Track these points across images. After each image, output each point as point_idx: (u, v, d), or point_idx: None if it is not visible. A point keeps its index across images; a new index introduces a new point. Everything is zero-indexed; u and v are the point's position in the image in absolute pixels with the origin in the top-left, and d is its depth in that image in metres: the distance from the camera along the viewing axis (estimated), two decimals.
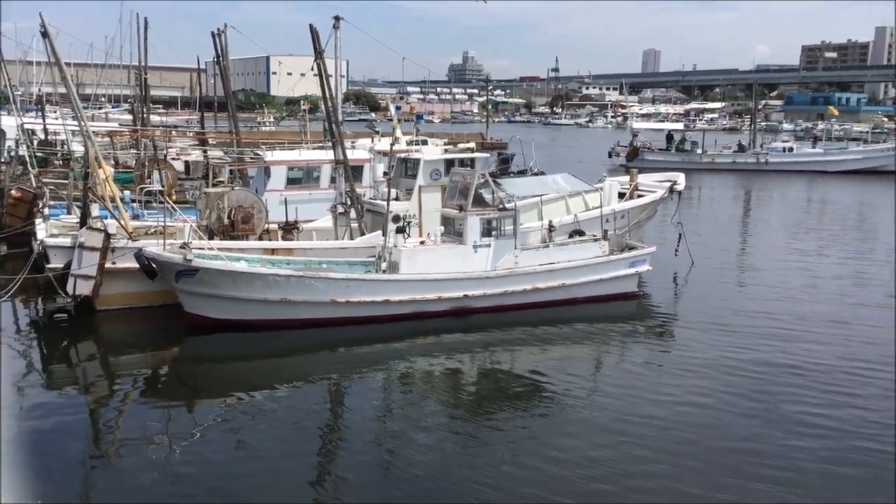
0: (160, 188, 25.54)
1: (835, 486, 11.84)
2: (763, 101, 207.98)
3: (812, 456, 12.65)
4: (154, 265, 18.85)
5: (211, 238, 21.01)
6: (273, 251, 21.19)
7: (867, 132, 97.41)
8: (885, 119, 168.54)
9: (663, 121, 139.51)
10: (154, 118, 58.06)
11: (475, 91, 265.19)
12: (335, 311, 19.44)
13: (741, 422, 14.07)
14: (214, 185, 26.98)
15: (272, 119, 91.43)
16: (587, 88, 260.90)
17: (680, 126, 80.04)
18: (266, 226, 22.68)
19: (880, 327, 20.10)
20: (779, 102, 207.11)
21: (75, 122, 25.04)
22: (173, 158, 36.18)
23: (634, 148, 69.11)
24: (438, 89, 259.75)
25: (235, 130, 34.68)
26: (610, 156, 71.35)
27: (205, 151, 38.23)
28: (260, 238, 22.22)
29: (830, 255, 30.01)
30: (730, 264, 28.28)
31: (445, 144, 29.98)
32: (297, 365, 17.68)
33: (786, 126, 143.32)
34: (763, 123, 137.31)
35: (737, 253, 31.04)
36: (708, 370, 16.70)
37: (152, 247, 19.04)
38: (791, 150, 70.00)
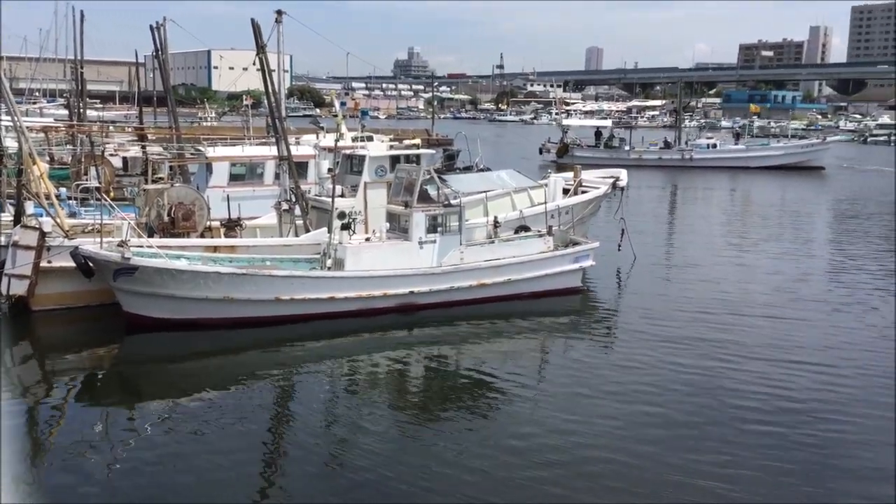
0: (97, 185, 24.88)
1: (778, 481, 12.08)
2: (702, 99, 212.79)
3: (754, 451, 12.85)
4: (91, 264, 18.37)
5: (151, 236, 20.59)
6: (215, 249, 20.85)
7: (791, 129, 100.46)
8: (819, 116, 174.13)
9: (606, 118, 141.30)
10: (91, 113, 56.52)
11: (421, 87, 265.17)
12: (279, 308, 19.23)
13: (684, 417, 14.27)
14: (154, 182, 26.39)
15: (213, 114, 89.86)
16: (532, 85, 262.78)
17: (608, 123, 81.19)
18: (208, 223, 22.30)
19: (815, 323, 20.72)
20: (718, 100, 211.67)
21: (8, 118, 24.24)
22: (111, 154, 35.28)
23: (564, 144, 69.83)
24: (384, 85, 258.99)
25: (175, 126, 33.99)
26: (541, 152, 72.01)
27: (144, 147, 37.37)
28: (202, 235, 21.83)
29: (766, 250, 30.77)
30: (670, 259, 28.84)
31: (391, 141, 29.83)
32: (239, 364, 17.41)
33: (724, 123, 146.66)
34: (703, 120, 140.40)
35: (677, 248, 31.63)
36: (651, 365, 16.95)
37: (89, 245, 18.55)
38: (715, 146, 71.82)
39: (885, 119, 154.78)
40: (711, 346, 18.19)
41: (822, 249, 31.73)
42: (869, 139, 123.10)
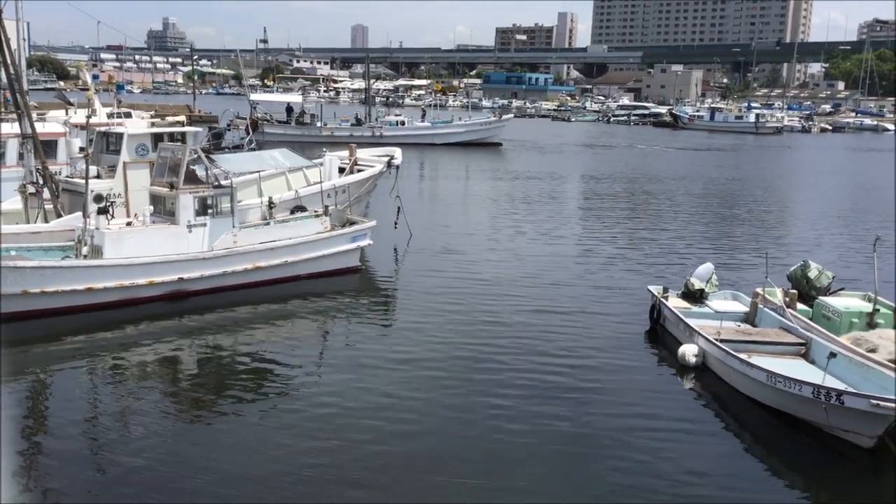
0: None
1: (544, 456, 12.81)
2: (464, 80, 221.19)
3: (522, 429, 13.30)
4: None
5: None
6: None
7: (544, 109, 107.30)
8: (569, 98, 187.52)
9: (374, 96, 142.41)
10: None
11: (178, 60, 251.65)
12: (28, 303, 17.46)
13: (459, 383, 14.81)
14: None
15: None
16: (298, 62, 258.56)
17: (299, 99, 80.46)
18: None
19: (578, 297, 22.28)
20: (479, 81, 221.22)
21: None
22: None
23: (254, 120, 68.15)
24: (137, 57, 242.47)
25: None
26: (229, 128, 70.06)
27: None
28: None
29: (521, 225, 32.55)
30: (441, 234, 29.56)
31: (152, 117, 27.95)
32: None
33: (485, 103, 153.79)
34: (466, 100, 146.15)
35: (442, 223, 32.47)
36: (428, 337, 17.39)
37: None
38: (403, 123, 74.81)
39: (625, 100, 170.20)
40: (479, 317, 18.91)
41: (575, 226, 34.19)
42: (612, 119, 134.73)
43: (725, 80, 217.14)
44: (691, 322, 16.76)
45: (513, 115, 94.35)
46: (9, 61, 20.94)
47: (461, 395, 14.37)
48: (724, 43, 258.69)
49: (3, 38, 20.52)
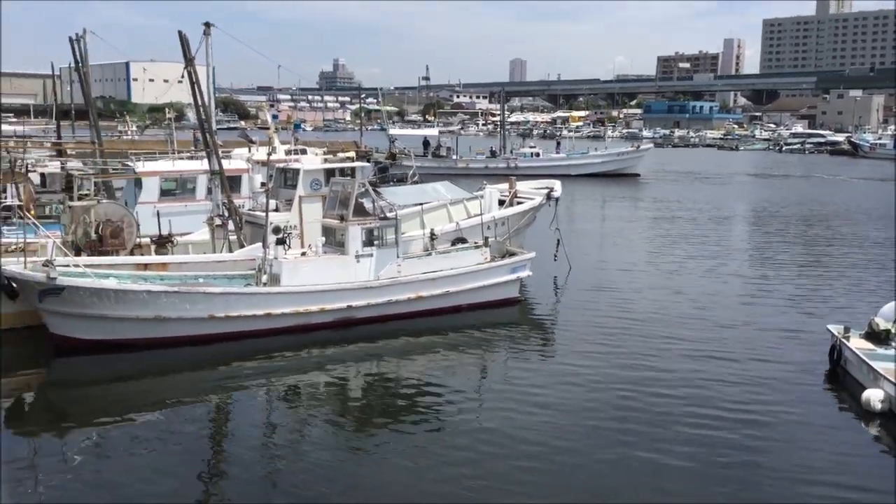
0: (19, 202, 23.86)
1: (706, 482, 12.39)
2: (624, 110, 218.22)
3: (685, 459, 13.03)
4: (15, 285, 17.60)
5: (78, 254, 19.85)
6: (145, 266, 20.25)
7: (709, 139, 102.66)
8: (736, 126, 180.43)
9: (531, 129, 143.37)
10: (5, 127, 54.26)
11: (347, 99, 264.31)
12: (214, 326, 18.79)
13: (618, 426, 14.42)
14: (79, 199, 25.47)
15: (135, 128, 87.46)
16: (458, 97, 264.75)
17: (435, 132, 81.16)
18: (138, 240, 21.65)
19: (742, 333, 21.24)
20: (639, 111, 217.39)
21: None
22: (28, 171, 33.87)
23: (392, 154, 69.93)
24: (310, 97, 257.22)
25: (98, 140, 32.90)
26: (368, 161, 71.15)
27: (63, 162, 36.04)
28: (131, 253, 21.19)
29: (682, 258, 31.44)
30: (602, 268, 29.13)
31: (325, 154, 29.56)
32: (173, 385, 16.90)
33: (645, 133, 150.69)
34: (625, 131, 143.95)
35: (603, 256, 31.99)
36: (586, 375, 17.08)
37: (13, 265, 17.76)
38: (538, 155, 73.76)
39: (798, 128, 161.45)
40: (643, 356, 18.38)
41: (742, 261, 32.66)
42: (784, 148, 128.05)
43: None
44: (876, 365, 15.59)
45: (651, 146, 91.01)
46: (200, 104, 22.87)
47: (617, 442, 13.82)
48: None
49: (196, 83, 22.43)
